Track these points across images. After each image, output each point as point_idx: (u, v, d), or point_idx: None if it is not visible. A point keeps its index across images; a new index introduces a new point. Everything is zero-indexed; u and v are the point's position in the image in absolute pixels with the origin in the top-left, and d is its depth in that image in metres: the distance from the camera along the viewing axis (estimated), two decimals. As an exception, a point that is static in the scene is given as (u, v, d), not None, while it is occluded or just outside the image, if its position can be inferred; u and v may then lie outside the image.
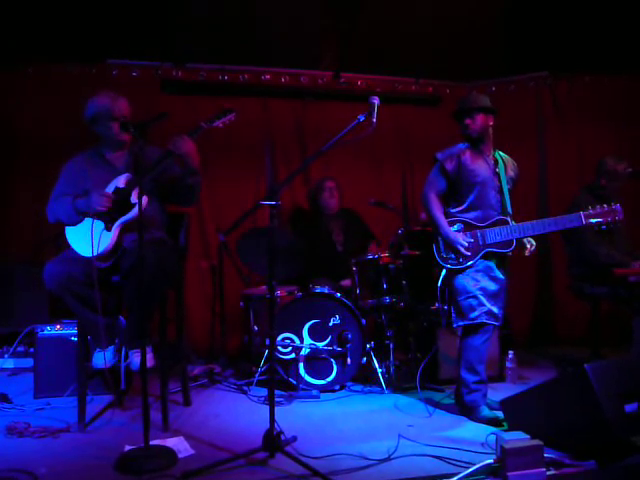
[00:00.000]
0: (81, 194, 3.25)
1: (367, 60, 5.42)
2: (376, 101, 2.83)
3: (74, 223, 3.22)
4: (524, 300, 5.71)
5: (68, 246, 3.24)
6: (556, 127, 5.83)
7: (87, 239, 3.08)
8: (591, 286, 4.31)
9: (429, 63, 5.50)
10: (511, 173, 3.57)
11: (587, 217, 3.29)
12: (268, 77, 5.59)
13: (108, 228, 3.13)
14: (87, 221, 3.18)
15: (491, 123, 3.50)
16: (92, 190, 3.22)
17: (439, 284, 4.00)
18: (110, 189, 3.22)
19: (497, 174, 3.49)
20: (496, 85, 5.95)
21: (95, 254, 3.03)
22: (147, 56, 5.21)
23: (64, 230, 3.27)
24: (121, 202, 3.15)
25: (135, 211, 3.09)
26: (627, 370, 2.74)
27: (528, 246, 3.46)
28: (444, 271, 3.58)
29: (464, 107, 3.51)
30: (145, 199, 3.13)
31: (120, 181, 3.22)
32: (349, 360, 4.02)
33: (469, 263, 3.39)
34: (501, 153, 3.59)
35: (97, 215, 3.13)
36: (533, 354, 5.10)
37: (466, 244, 3.39)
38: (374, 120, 2.81)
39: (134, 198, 3.14)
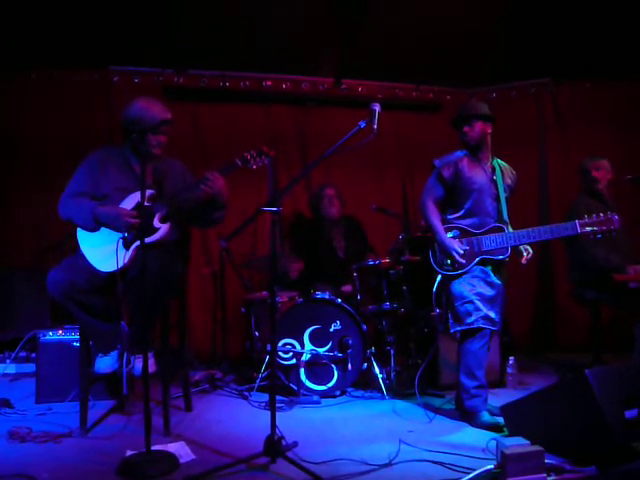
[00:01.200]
0: (100, 199, 3.19)
1: (368, 66, 5.45)
2: (377, 108, 2.83)
3: (88, 229, 3.16)
4: (525, 306, 5.72)
5: (72, 253, 3.23)
6: (557, 133, 5.85)
7: (106, 253, 3.05)
8: (592, 292, 4.31)
9: (430, 69, 5.52)
10: (509, 181, 3.59)
11: (582, 225, 3.28)
12: (269, 83, 5.62)
13: (127, 246, 3.08)
14: (104, 232, 3.14)
15: (489, 131, 3.52)
16: (112, 197, 3.18)
17: (434, 290, 4.02)
18: (132, 202, 3.16)
19: (494, 182, 3.51)
20: (497, 91, 5.98)
21: (115, 269, 3.00)
22: (149, 62, 5.24)
23: (75, 236, 3.20)
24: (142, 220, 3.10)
25: (156, 236, 3.10)
26: (628, 376, 2.74)
27: (525, 254, 3.48)
28: (439, 277, 3.59)
29: (463, 114, 3.53)
30: (167, 225, 3.13)
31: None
32: (350, 366, 4.02)
33: (464, 270, 3.41)
34: (499, 161, 3.61)
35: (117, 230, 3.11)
36: (534, 360, 5.09)
37: (461, 251, 3.41)
38: (375, 127, 2.81)
39: (157, 222, 3.13)
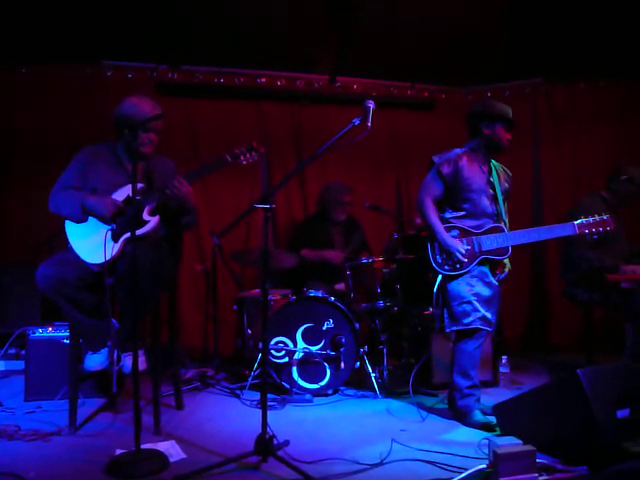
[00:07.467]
0: (89, 192, 3.19)
1: (363, 64, 5.43)
2: (371, 105, 2.82)
3: (75, 220, 3.15)
4: (518, 306, 5.72)
5: (63, 248, 3.20)
6: (551, 133, 5.85)
7: (94, 246, 3.05)
8: (584, 292, 4.30)
9: (425, 68, 5.51)
10: (505, 185, 3.57)
11: (580, 227, 3.34)
12: (264, 80, 5.60)
13: (115, 239, 3.07)
14: (91, 224, 3.13)
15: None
16: (102, 191, 3.17)
17: (435, 290, 3.98)
18: (122, 196, 3.16)
19: (491, 183, 3.49)
20: (491, 91, 5.97)
21: (103, 262, 2.98)
22: (143, 58, 5.20)
23: (64, 230, 3.18)
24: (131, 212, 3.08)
25: (145, 229, 3.10)
26: (620, 376, 2.74)
27: (505, 269, 3.49)
28: (440, 277, 3.55)
29: (507, 116, 3.47)
30: (156, 219, 3.14)
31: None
32: (342, 364, 4.01)
33: (465, 269, 3.38)
34: (494, 162, 3.60)
35: (102, 219, 3.10)
36: (527, 359, 5.09)
37: (464, 251, 3.38)
38: (369, 124, 2.80)
39: (146, 215, 3.12)
